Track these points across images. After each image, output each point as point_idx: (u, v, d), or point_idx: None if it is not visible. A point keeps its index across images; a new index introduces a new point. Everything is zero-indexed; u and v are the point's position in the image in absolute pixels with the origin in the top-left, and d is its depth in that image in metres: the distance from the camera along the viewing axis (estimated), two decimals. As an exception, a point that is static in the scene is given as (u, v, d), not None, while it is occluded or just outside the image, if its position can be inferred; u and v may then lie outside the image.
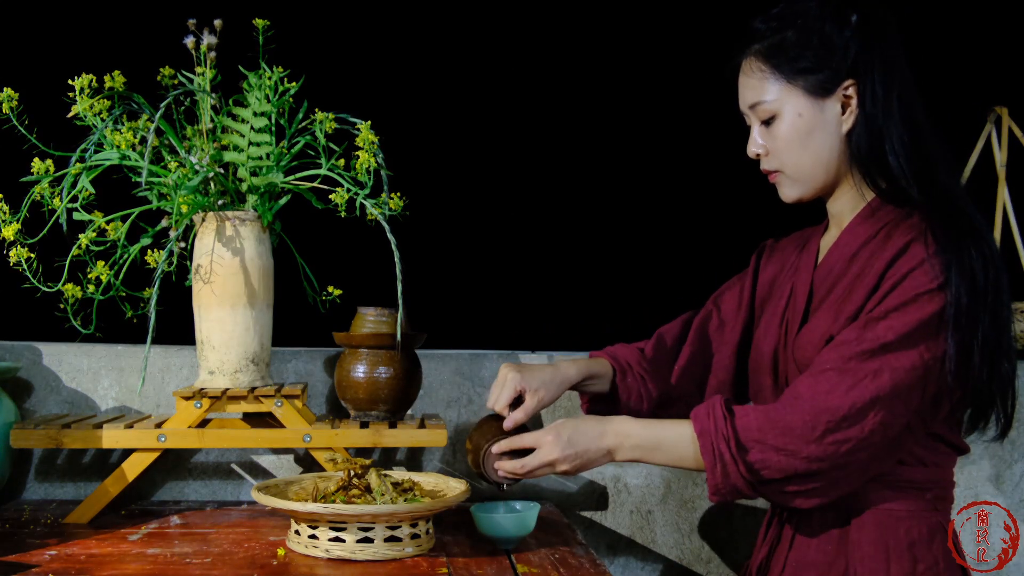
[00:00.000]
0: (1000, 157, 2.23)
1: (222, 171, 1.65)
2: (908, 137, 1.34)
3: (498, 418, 1.51)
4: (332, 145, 1.64)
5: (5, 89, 1.58)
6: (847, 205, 1.42)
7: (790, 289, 1.47)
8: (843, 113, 1.36)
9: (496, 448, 1.42)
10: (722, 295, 1.65)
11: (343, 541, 1.38)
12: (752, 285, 1.60)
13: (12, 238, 1.54)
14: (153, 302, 1.48)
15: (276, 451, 1.91)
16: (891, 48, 1.36)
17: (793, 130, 1.37)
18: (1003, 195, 2.23)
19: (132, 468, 1.63)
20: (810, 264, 1.46)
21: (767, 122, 1.39)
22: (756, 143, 1.42)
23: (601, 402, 1.63)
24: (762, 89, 1.38)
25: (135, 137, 1.60)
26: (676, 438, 1.34)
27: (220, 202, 1.64)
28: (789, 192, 1.42)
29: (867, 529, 1.34)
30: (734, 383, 1.61)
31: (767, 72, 1.37)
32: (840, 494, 1.30)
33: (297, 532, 1.42)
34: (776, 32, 1.37)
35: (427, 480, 1.58)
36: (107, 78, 1.62)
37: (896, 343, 1.25)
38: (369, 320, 1.77)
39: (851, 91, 1.35)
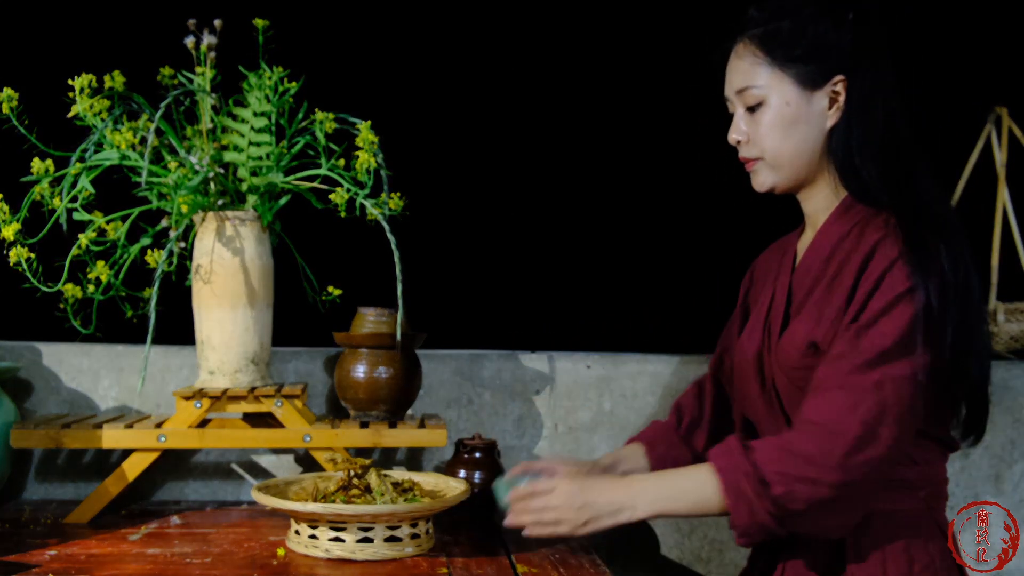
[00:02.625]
0: (1000, 157, 2.23)
1: (222, 171, 1.65)
2: (886, 139, 1.36)
3: None
4: (332, 145, 1.64)
5: (5, 89, 1.58)
6: (821, 204, 1.43)
7: (771, 294, 1.47)
8: (829, 108, 1.37)
9: (509, 475, 1.43)
10: (725, 333, 1.65)
11: (343, 541, 1.38)
12: (743, 309, 1.60)
13: (12, 238, 1.54)
14: (153, 302, 1.48)
15: (276, 451, 1.91)
16: (880, 51, 1.38)
17: (779, 117, 1.37)
18: (1003, 195, 2.23)
19: (132, 468, 1.63)
20: (788, 267, 1.47)
21: (752, 109, 1.40)
22: (739, 129, 1.42)
23: None
24: (753, 74, 1.39)
25: (135, 137, 1.60)
26: (697, 485, 1.29)
27: (220, 202, 1.64)
28: (764, 179, 1.42)
29: (862, 529, 1.34)
30: None
31: (760, 57, 1.38)
32: (865, 511, 1.29)
33: (297, 532, 1.42)
34: (772, 20, 1.38)
35: (427, 480, 1.58)
36: (107, 78, 1.62)
37: (891, 351, 1.24)
38: (369, 320, 1.77)
39: (840, 87, 1.36)
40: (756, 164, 1.42)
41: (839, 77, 1.36)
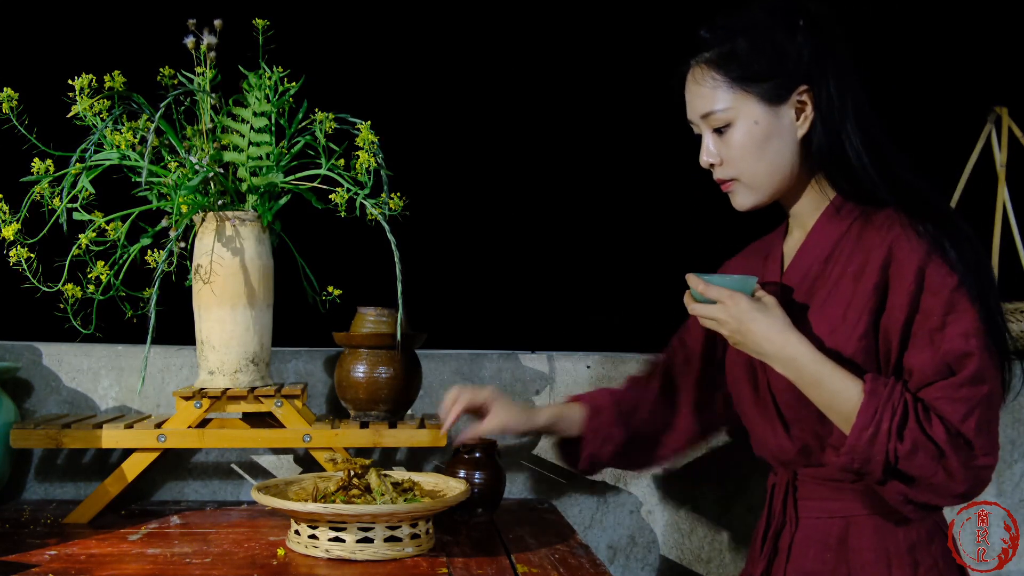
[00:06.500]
0: (1000, 157, 2.23)
1: (222, 171, 1.65)
2: (865, 137, 1.35)
3: None
4: (332, 145, 1.64)
5: (5, 89, 1.58)
6: (810, 206, 1.42)
7: None
8: (797, 119, 1.36)
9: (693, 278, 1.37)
10: (686, 329, 1.65)
11: (343, 541, 1.38)
12: None
13: (12, 238, 1.54)
14: (153, 302, 1.48)
15: (276, 451, 1.91)
16: (841, 53, 1.37)
17: (749, 138, 1.36)
18: (1003, 195, 2.23)
19: (132, 468, 1.63)
20: (776, 270, 1.45)
21: (719, 131, 1.38)
22: (710, 152, 1.40)
23: (568, 444, 1.64)
24: (714, 98, 1.36)
25: (135, 137, 1.60)
26: (842, 386, 1.28)
27: (220, 202, 1.65)
28: (744, 200, 1.41)
29: (866, 535, 1.34)
30: (699, 412, 1.62)
31: (719, 80, 1.36)
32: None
33: (297, 532, 1.42)
34: (726, 41, 1.36)
35: (427, 480, 1.58)
36: (107, 78, 1.62)
37: (986, 363, 1.25)
38: (369, 320, 1.77)
39: (805, 97, 1.35)
40: (733, 185, 1.40)
41: (803, 87, 1.34)
